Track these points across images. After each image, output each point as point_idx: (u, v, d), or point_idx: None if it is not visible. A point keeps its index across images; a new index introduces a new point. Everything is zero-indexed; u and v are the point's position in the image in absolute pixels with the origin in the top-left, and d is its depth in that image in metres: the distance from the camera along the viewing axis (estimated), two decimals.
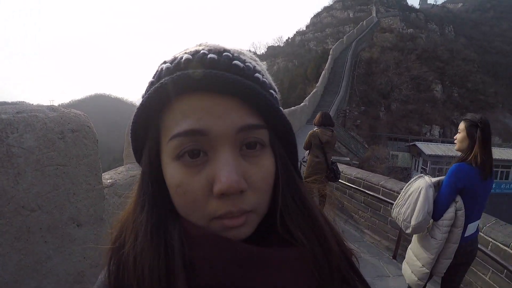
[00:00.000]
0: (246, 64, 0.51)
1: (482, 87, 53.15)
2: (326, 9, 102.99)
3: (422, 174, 2.81)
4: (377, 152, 21.61)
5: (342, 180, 6.74)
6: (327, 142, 5.31)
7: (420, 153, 32.60)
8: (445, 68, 53.06)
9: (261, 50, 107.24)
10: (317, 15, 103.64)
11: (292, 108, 21.45)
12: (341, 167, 7.11)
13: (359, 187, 6.14)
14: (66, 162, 1.59)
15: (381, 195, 5.54)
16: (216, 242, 0.45)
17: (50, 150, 1.51)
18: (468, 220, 2.44)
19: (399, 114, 43.93)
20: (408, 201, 2.58)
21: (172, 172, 0.47)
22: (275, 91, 0.57)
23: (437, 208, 2.44)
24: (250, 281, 0.45)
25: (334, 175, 5.31)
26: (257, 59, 0.59)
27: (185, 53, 0.49)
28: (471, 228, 2.50)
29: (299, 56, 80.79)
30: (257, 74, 0.51)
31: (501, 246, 3.27)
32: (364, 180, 6.08)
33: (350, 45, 54.78)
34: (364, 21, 74.81)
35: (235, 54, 0.51)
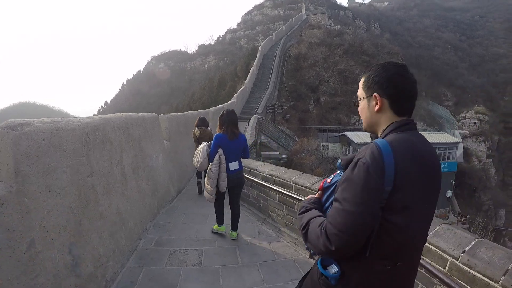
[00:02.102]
0: None
1: None
2: (257, 7, 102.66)
3: (205, 143, 4.92)
4: (307, 144, 21.78)
5: (257, 178, 6.41)
6: (200, 137, 7.46)
7: (349, 142, 33.88)
8: (371, 61, 54.83)
9: (192, 49, 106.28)
10: (248, 13, 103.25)
11: (219, 106, 21.01)
12: (256, 164, 6.80)
13: (273, 184, 5.82)
14: None
15: (294, 191, 5.24)
16: None
17: None
18: (228, 161, 4.68)
19: (328, 106, 44.79)
20: (197, 154, 4.83)
21: None
22: None
23: (210, 155, 4.69)
24: None
25: None
26: None
27: None
28: (232, 165, 4.74)
29: (230, 54, 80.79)
30: None
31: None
32: (277, 177, 5.76)
33: (279, 42, 55.17)
34: (293, 18, 75.93)
35: None
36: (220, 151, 4.64)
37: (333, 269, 1.40)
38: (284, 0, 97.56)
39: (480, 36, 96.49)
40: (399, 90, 1.44)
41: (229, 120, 4.68)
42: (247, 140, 4.90)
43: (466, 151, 43.45)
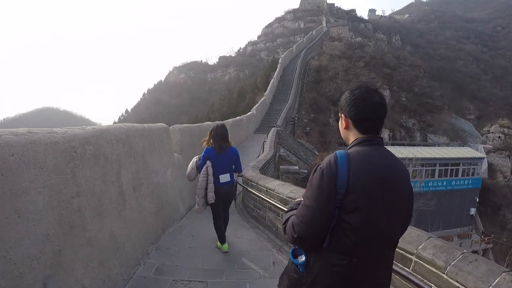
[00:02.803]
0: None
1: (428, 91, 54.66)
2: (278, 19, 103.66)
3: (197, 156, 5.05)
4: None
5: (274, 199, 5.80)
6: None
7: None
8: (392, 74, 54.27)
9: (213, 61, 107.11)
10: (269, 26, 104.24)
11: (237, 118, 20.55)
12: (274, 183, 6.18)
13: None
14: None
15: None
16: None
17: None
18: (217, 173, 4.78)
19: None
20: (188, 165, 5.00)
21: None
22: None
23: (199, 167, 4.83)
24: None
25: None
26: None
27: None
28: (223, 178, 4.82)
29: (251, 65, 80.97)
30: None
31: None
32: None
33: (299, 54, 54.83)
34: (314, 30, 75.76)
35: None
36: (208, 163, 4.80)
37: (302, 258, 1.66)
38: (304, 13, 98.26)
39: (502, 47, 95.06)
40: (359, 113, 1.68)
41: (218, 135, 4.89)
42: (265, 153, 4.78)
43: (490, 166, 41.85)
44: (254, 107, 28.48)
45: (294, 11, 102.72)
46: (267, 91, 36.26)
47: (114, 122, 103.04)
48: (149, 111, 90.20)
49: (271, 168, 12.64)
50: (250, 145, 19.04)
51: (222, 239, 5.06)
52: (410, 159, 27.31)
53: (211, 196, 4.77)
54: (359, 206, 1.50)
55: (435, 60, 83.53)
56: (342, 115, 1.76)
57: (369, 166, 1.55)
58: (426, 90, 54.28)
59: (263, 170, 9.48)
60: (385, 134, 44.88)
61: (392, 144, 39.36)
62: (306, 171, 18.25)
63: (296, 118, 31.95)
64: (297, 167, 18.07)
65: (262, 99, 32.26)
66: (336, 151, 1.60)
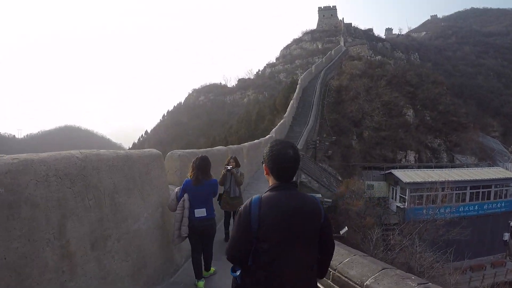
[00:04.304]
0: None
1: (453, 108, 52.25)
2: (296, 41, 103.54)
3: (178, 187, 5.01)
4: (352, 185, 19.43)
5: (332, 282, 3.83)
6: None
7: (397, 181, 30.57)
8: (415, 92, 52.24)
9: (232, 83, 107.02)
10: (287, 47, 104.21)
11: (256, 141, 19.15)
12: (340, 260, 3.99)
13: None
14: None
15: None
16: None
17: None
18: (193, 206, 4.64)
19: (372, 141, 42.12)
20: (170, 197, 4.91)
21: None
22: None
23: (178, 198, 4.72)
24: None
25: None
26: None
27: None
28: (198, 212, 4.65)
29: (269, 87, 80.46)
30: None
31: None
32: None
33: (319, 74, 53.79)
34: (333, 50, 75.06)
35: None
36: (186, 196, 4.68)
37: (237, 272, 2.09)
38: (322, 33, 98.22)
39: None
40: (274, 165, 2.13)
41: (197, 166, 4.82)
42: None
43: None
44: (273, 130, 27.20)
45: (311, 32, 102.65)
46: (286, 113, 35.07)
47: (134, 144, 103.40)
48: (168, 133, 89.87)
49: None
50: None
51: (198, 274, 4.77)
52: (442, 183, 25.23)
53: (184, 230, 4.65)
54: (267, 236, 1.99)
55: (455, 76, 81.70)
56: (264, 164, 2.20)
57: (275, 207, 2.02)
58: (450, 108, 51.81)
59: None
60: (410, 156, 42.82)
61: (419, 167, 37.23)
62: (330, 200, 16.59)
63: (318, 141, 30.37)
64: (320, 195, 16.48)
65: (281, 121, 30.95)
66: (252, 197, 2.11)
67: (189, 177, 4.78)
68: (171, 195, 4.85)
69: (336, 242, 2.74)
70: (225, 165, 7.15)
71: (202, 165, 4.81)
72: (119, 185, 3.60)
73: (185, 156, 6.48)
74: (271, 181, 2.15)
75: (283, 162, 2.09)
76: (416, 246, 14.06)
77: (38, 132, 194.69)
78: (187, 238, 4.72)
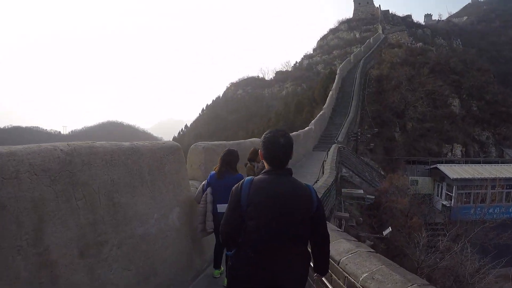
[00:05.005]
0: None
1: (501, 98, 48.88)
2: (332, 31, 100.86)
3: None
4: (396, 180, 18.30)
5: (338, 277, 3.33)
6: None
7: (443, 177, 28.83)
8: (460, 80, 49.09)
9: (270, 76, 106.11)
10: (323, 38, 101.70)
11: (294, 133, 18.45)
12: (342, 246, 3.34)
13: None
14: None
15: None
16: None
17: None
18: (216, 201, 4.42)
19: (416, 133, 40.14)
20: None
21: None
22: None
23: (203, 191, 4.60)
24: None
25: None
26: None
27: None
28: (221, 207, 4.32)
29: (308, 79, 79.08)
30: None
31: None
32: None
33: (358, 64, 52.21)
34: (371, 38, 72.77)
35: None
36: (209, 189, 4.54)
37: (232, 251, 2.24)
38: (359, 22, 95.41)
39: None
40: (266, 152, 2.29)
41: (222, 158, 4.64)
42: (326, 176, 5.84)
43: None
44: (312, 122, 26.48)
45: (348, 21, 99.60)
46: (325, 104, 34.19)
47: (174, 138, 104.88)
48: (207, 126, 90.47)
49: (333, 195, 10.55)
50: (308, 164, 17.37)
51: (216, 264, 4.79)
52: (493, 180, 23.42)
53: (209, 225, 4.52)
54: (253, 215, 2.14)
55: (500, 63, 76.75)
56: (259, 150, 2.37)
57: (263, 189, 2.19)
58: (498, 97, 48.47)
59: (324, 199, 7.71)
60: (457, 150, 40.38)
61: (466, 162, 35.12)
62: (373, 197, 15.61)
63: (359, 134, 29.19)
64: (361, 191, 15.55)
65: (320, 113, 30.10)
66: (245, 178, 2.32)
67: (215, 170, 4.61)
68: (198, 187, 4.79)
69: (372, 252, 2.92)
70: (248, 159, 6.81)
71: (227, 158, 4.60)
72: (120, 182, 3.18)
73: (211, 149, 6.01)
74: (266, 166, 2.33)
75: (274, 150, 2.26)
76: (467, 252, 12.82)
77: (82, 128, 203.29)
78: (213, 234, 4.56)
